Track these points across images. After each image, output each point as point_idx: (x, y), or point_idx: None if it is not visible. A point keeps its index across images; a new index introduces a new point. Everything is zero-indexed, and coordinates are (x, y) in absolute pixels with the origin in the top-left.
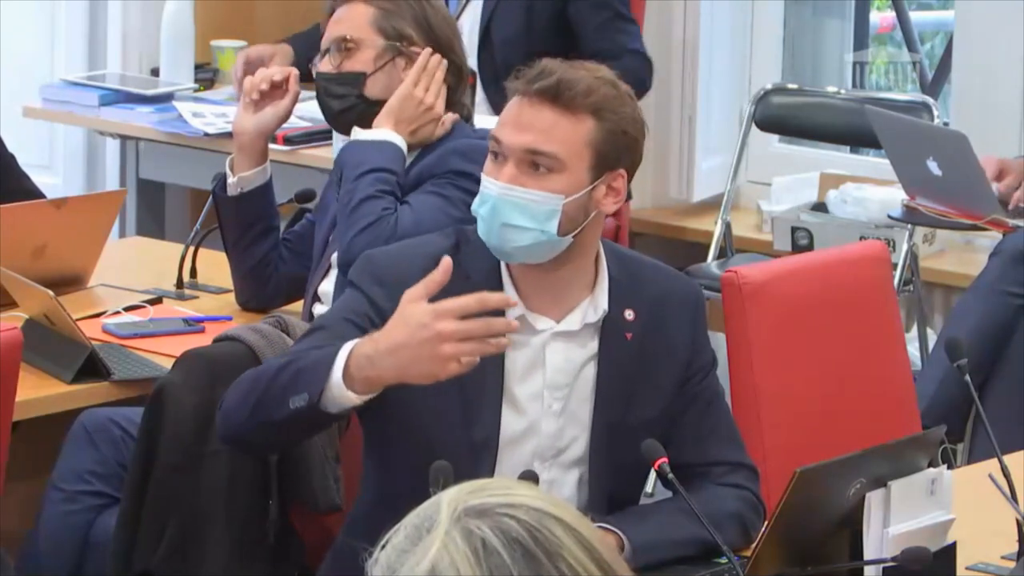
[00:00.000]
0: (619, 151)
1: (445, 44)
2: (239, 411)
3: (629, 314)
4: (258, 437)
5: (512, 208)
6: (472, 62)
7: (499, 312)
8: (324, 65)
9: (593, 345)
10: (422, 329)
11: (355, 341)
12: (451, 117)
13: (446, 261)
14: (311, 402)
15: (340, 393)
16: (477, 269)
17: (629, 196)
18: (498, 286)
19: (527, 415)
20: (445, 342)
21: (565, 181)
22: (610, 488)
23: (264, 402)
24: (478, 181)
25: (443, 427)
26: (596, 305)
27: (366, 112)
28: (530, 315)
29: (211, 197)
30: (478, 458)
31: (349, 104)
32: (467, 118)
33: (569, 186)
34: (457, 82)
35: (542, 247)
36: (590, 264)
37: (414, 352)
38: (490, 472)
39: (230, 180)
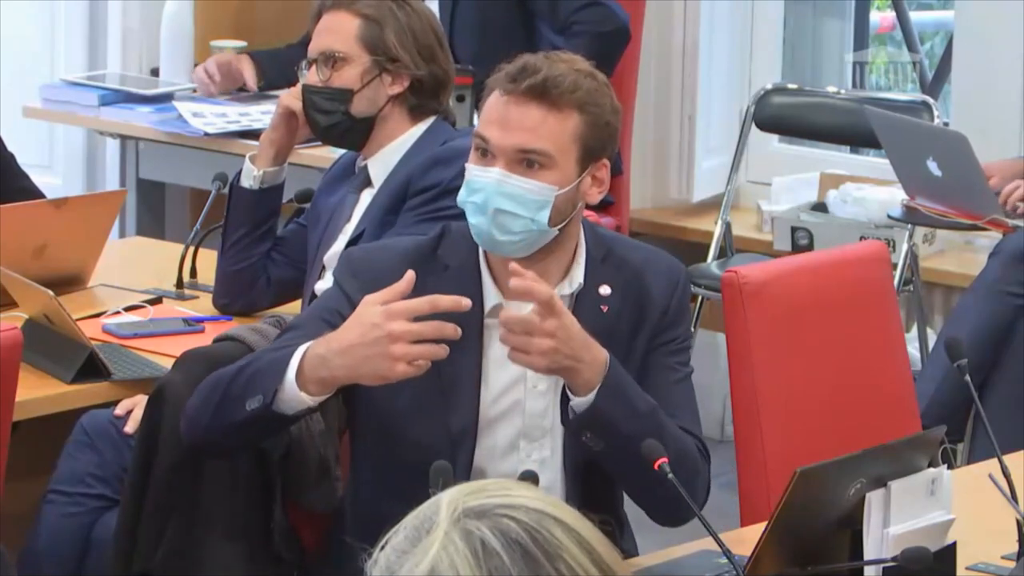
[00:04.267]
0: (603, 142)
1: (427, 54)
2: (201, 415)
3: (605, 289)
4: (220, 440)
5: (506, 196)
6: None
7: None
8: (312, 77)
9: None
10: (374, 328)
11: (310, 342)
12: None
13: (409, 274)
14: (265, 403)
15: (293, 394)
16: (455, 259)
17: (609, 202)
18: (476, 275)
19: (508, 398)
20: (395, 342)
21: (555, 176)
22: (584, 458)
23: (223, 405)
24: (457, 190)
25: (420, 418)
26: (572, 280)
27: (352, 129)
28: (507, 303)
29: (228, 190)
30: (456, 446)
31: (335, 121)
32: (453, 123)
33: (560, 180)
34: (437, 89)
35: (532, 237)
36: (570, 253)
37: (365, 351)
38: (469, 459)
39: (254, 173)
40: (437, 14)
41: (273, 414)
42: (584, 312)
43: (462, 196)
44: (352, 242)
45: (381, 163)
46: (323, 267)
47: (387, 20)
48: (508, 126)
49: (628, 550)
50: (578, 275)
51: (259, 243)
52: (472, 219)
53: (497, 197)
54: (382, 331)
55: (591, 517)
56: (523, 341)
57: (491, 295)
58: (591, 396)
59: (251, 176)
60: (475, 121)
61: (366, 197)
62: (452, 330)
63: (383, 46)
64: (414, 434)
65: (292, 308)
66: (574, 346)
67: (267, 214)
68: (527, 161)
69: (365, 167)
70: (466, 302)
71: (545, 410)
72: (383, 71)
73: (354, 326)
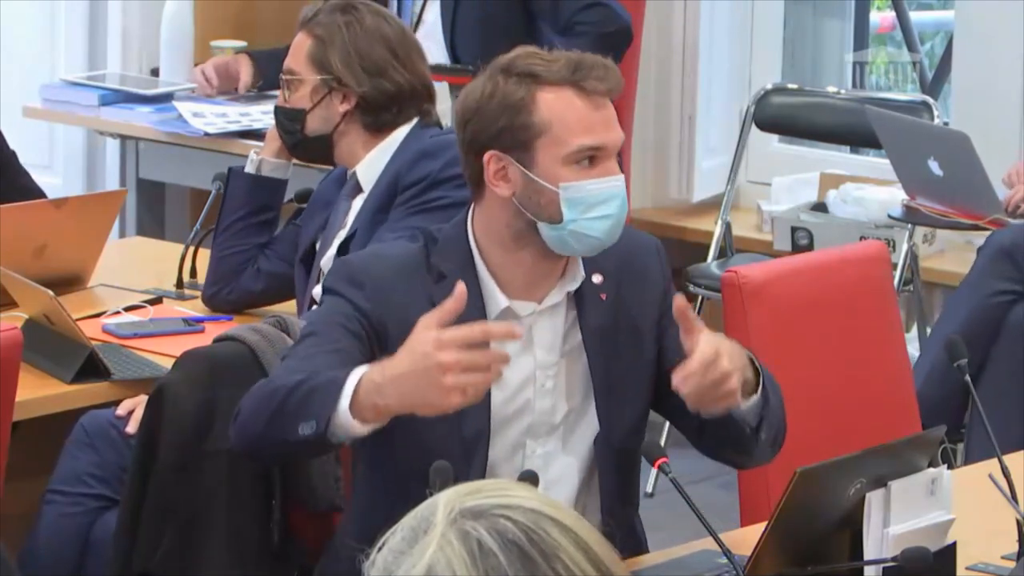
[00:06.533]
0: None
1: (373, 70)
2: (254, 424)
3: (597, 278)
4: (271, 452)
5: (625, 198)
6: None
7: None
8: (280, 97)
9: (573, 315)
10: (425, 358)
11: (365, 368)
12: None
13: (461, 288)
14: (318, 431)
15: (346, 422)
16: (451, 268)
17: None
18: (474, 280)
19: (519, 399)
20: (447, 372)
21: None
22: (619, 443)
23: (277, 421)
24: (446, 181)
25: (433, 424)
26: (574, 274)
27: (310, 147)
28: (514, 304)
29: (226, 175)
30: (469, 452)
31: (296, 140)
32: (439, 126)
33: None
34: (388, 103)
35: None
36: None
37: (416, 381)
38: (482, 464)
39: (252, 158)
40: (439, 14)
41: (325, 441)
42: (587, 305)
43: (580, 214)
44: (344, 242)
45: (368, 169)
46: (321, 272)
47: (334, 39)
48: (608, 125)
49: (636, 548)
50: (579, 269)
51: (252, 233)
52: (600, 233)
53: (625, 202)
54: (431, 361)
55: (594, 518)
56: (728, 389)
57: (496, 298)
58: (758, 393)
59: (251, 162)
60: None
61: (358, 203)
62: (503, 358)
63: (328, 65)
64: (427, 440)
65: (291, 308)
66: (739, 357)
67: (263, 204)
68: (617, 155)
69: (354, 174)
70: (519, 330)
71: (553, 407)
72: (331, 90)
73: (406, 354)
